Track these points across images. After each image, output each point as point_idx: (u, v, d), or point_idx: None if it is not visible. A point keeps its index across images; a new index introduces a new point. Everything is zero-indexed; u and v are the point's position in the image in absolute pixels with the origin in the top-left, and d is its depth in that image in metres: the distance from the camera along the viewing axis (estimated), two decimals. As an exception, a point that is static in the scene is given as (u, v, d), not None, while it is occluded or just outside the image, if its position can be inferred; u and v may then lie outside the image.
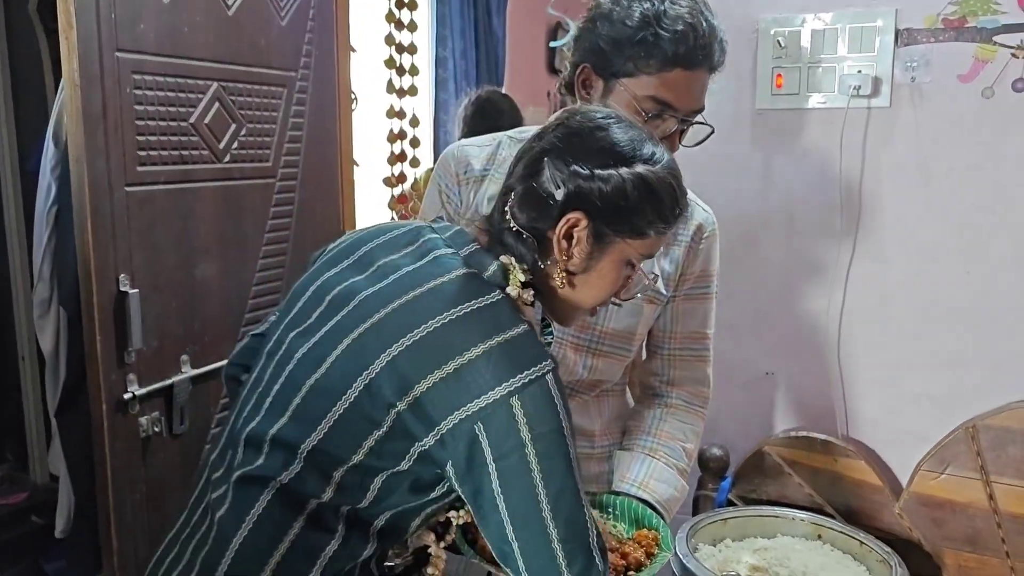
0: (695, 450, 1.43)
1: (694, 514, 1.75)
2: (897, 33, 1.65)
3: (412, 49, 2.51)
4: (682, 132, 1.28)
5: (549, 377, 0.90)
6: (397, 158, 2.53)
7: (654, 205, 0.97)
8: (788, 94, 1.76)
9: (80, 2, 1.40)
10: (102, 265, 1.51)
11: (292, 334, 0.99)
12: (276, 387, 0.97)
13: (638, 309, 1.38)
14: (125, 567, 1.63)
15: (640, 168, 0.95)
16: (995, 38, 1.58)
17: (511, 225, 0.97)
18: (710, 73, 1.26)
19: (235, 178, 1.77)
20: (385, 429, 0.90)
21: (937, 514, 1.65)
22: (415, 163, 2.59)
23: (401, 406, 0.89)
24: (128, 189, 1.53)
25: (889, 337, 1.74)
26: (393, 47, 2.45)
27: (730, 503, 1.83)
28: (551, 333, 1.39)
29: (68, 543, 1.85)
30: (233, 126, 1.75)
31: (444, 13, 2.82)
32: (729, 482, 1.85)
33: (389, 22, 2.40)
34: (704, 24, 1.22)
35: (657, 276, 1.12)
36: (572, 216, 0.94)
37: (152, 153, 1.56)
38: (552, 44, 3.89)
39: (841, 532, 1.68)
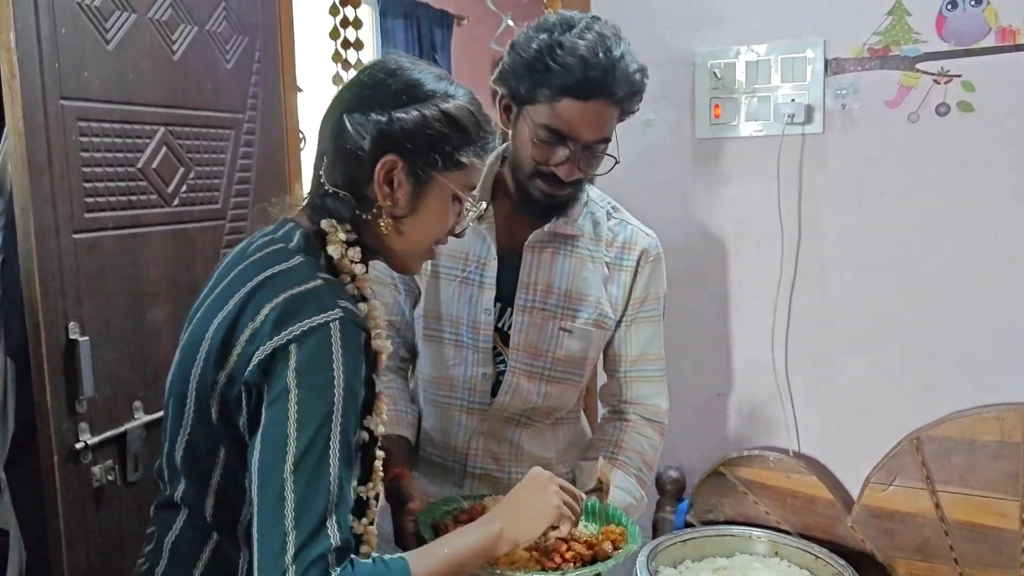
0: (654, 462, 1.49)
1: (653, 537, 1.77)
2: (826, 63, 1.73)
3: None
4: (585, 161, 1.31)
5: (334, 326, 0.91)
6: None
7: (459, 132, 1.02)
8: (726, 123, 1.82)
9: (23, 51, 1.40)
10: (51, 313, 1.50)
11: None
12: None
13: (587, 335, 1.41)
14: (79, 621, 1.59)
15: (435, 101, 1.00)
16: (917, 66, 1.66)
17: (327, 188, 1.01)
18: (615, 106, 1.29)
19: (184, 221, 1.77)
20: (216, 411, 0.96)
21: (888, 525, 1.70)
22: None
23: (221, 380, 0.95)
24: (76, 236, 1.52)
25: (833, 353, 1.80)
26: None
27: (688, 524, 1.86)
28: (504, 362, 1.41)
29: (20, 599, 1.80)
30: (181, 169, 1.75)
31: (389, 48, 2.85)
32: (687, 504, 1.87)
33: (336, 62, 2.42)
34: (602, 57, 1.25)
35: (486, 204, 1.16)
36: (386, 159, 0.98)
37: (100, 199, 1.56)
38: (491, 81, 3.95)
39: (797, 548, 1.73)
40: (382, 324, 1.04)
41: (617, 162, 1.33)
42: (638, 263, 1.46)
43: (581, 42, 1.24)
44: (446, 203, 1.04)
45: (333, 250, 1.01)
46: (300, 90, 2.19)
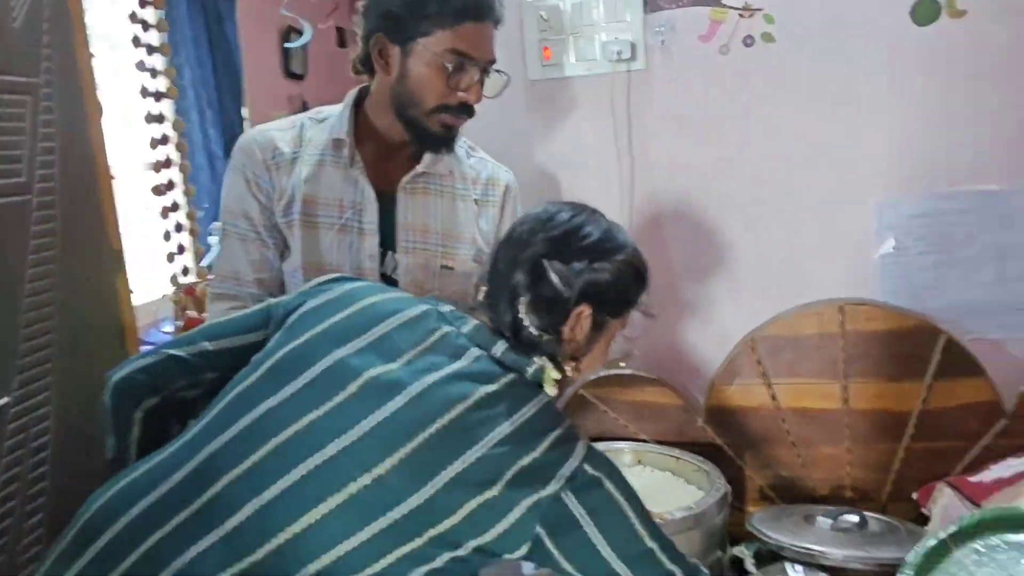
0: None
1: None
2: (644, 2, 1.84)
3: (165, 50, 2.35)
4: (482, 84, 1.37)
5: (585, 439, 1.00)
6: (162, 165, 2.37)
7: (640, 284, 1.11)
8: (556, 64, 1.90)
9: None
10: None
11: (314, 415, 0.93)
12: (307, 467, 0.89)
13: (469, 270, 1.45)
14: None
15: (625, 255, 1.08)
16: (723, 2, 1.81)
17: (529, 328, 1.04)
18: (495, 26, 1.37)
19: (-15, 197, 1.59)
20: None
21: (733, 420, 1.88)
22: (184, 168, 2.44)
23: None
24: None
25: (671, 276, 1.94)
26: (144, 49, 2.28)
27: (556, 450, 1.95)
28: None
29: None
30: (-24, 141, 1.57)
31: (174, 20, 2.67)
32: (552, 431, 1.97)
33: (134, 22, 2.23)
34: None
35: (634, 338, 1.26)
36: (581, 309, 1.04)
37: None
38: (287, 45, 3.79)
39: (659, 453, 1.87)
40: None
41: (510, 79, 1.40)
42: (503, 198, 1.51)
43: None
44: (610, 342, 1.13)
45: (548, 388, 1.03)
46: (92, 55, 2.01)
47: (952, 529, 1.33)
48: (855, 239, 1.83)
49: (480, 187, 1.50)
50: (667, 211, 1.92)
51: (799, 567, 1.52)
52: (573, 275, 1.03)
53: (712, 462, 1.78)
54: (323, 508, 0.86)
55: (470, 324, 1.05)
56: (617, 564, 0.95)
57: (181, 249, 1.94)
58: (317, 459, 0.88)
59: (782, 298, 1.87)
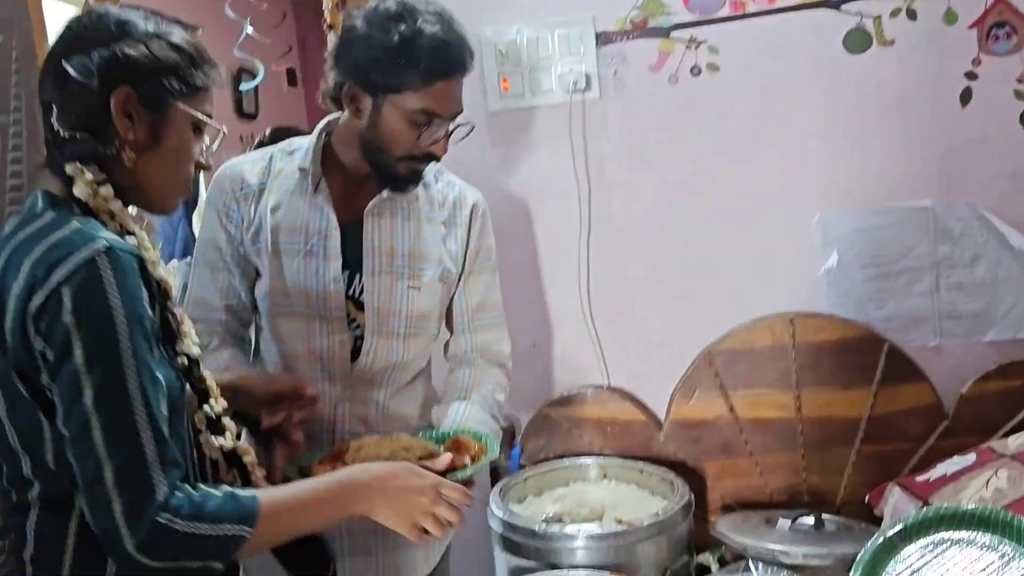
0: (503, 401, 1.65)
1: (493, 484, 1.89)
2: (597, 35, 1.94)
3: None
4: (448, 137, 1.44)
5: (100, 258, 0.93)
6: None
7: (186, 57, 1.05)
8: (515, 95, 1.98)
9: None
10: None
11: None
12: None
13: (435, 290, 1.52)
14: None
15: (159, 32, 1.04)
16: (671, 34, 1.92)
17: (63, 135, 1.00)
18: (463, 77, 1.44)
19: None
20: (23, 386, 0.95)
21: (693, 433, 1.95)
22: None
23: (11, 352, 0.95)
24: None
25: (629, 296, 2.02)
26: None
27: (522, 467, 2.00)
28: (359, 327, 1.46)
29: None
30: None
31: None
32: (518, 449, 2.02)
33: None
34: (455, 36, 1.39)
35: (221, 130, 1.18)
36: (118, 92, 1.00)
37: None
38: (241, 88, 3.84)
39: (623, 467, 1.94)
40: (156, 258, 1.04)
41: (473, 127, 1.47)
42: (471, 218, 1.58)
43: (436, 28, 1.35)
44: (188, 131, 1.07)
45: (81, 191, 1.00)
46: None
47: (899, 527, 1.41)
48: (801, 255, 1.93)
49: (447, 209, 1.56)
50: (623, 232, 2.00)
51: (761, 565, 1.59)
52: (94, 61, 0.99)
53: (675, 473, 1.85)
54: None
55: (29, 197, 1.04)
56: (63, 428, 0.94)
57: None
58: None
59: (734, 312, 1.96)
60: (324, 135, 1.51)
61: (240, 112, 4.25)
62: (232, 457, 1.10)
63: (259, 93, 4.25)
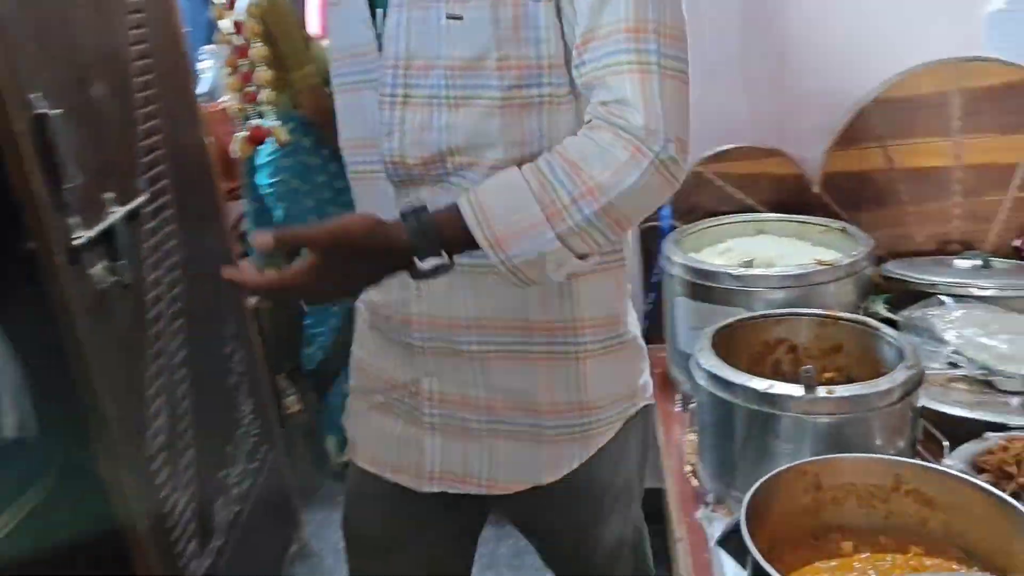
0: (582, 163, 0.97)
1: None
2: None
3: None
4: None
5: None
6: None
7: None
8: None
9: None
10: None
11: None
12: None
13: (482, 20, 0.99)
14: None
15: None
16: None
17: None
18: None
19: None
20: None
21: (848, 184, 1.96)
22: None
23: None
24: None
25: (784, 46, 1.95)
26: None
27: (673, 228, 1.99)
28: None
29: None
30: None
31: None
32: (669, 209, 2.01)
33: None
34: None
35: None
36: None
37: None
38: None
39: (779, 222, 1.94)
40: None
41: None
42: None
43: None
44: None
45: None
46: None
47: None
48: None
49: None
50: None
51: (950, 299, 1.63)
52: None
53: (826, 226, 1.85)
54: None
55: None
56: None
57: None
58: None
59: (892, 61, 1.91)
60: None
61: None
62: None
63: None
